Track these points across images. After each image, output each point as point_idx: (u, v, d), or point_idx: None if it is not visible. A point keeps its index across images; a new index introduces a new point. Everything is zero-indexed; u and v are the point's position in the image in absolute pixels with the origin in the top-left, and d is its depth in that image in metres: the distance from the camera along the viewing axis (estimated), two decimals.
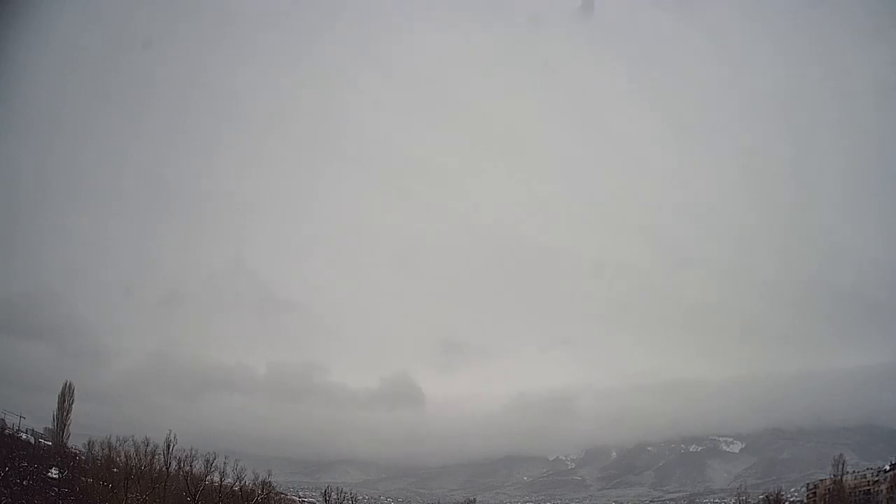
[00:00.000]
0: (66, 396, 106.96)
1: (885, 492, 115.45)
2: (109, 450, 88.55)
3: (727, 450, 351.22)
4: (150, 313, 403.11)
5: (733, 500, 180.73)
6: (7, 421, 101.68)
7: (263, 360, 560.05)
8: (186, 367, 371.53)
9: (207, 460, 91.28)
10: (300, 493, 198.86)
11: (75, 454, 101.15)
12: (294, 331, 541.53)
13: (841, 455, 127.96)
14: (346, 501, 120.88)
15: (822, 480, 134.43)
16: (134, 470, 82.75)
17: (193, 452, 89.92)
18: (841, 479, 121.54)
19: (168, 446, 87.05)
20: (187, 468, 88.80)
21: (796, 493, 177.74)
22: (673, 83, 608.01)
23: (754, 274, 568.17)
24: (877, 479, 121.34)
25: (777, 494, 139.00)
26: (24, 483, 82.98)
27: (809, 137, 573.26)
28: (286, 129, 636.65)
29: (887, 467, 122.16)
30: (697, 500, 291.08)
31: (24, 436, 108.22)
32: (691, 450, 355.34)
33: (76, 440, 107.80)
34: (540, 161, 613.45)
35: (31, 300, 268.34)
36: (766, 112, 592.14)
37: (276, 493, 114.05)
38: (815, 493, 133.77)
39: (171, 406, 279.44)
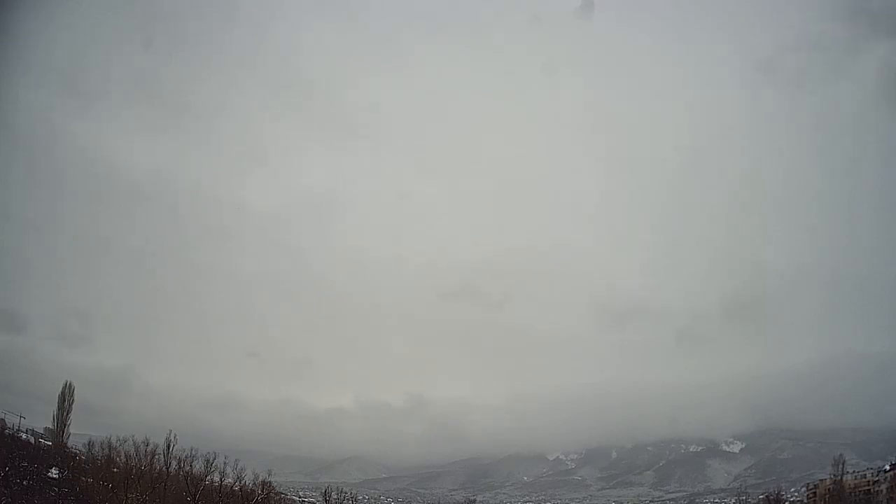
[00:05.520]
0: (66, 396, 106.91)
1: (885, 492, 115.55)
2: (109, 450, 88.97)
3: (727, 450, 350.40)
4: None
5: (733, 500, 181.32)
6: (7, 421, 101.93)
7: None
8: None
9: (207, 460, 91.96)
10: (300, 493, 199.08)
11: (75, 454, 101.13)
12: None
13: (841, 455, 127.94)
14: (346, 501, 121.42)
15: (822, 480, 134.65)
16: (134, 470, 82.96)
17: (193, 452, 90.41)
18: (841, 479, 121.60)
19: (168, 446, 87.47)
20: (187, 468, 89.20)
21: (796, 493, 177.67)
22: (674, 83, 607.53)
23: (755, 274, 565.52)
24: (877, 479, 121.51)
25: (777, 494, 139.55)
26: (24, 483, 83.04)
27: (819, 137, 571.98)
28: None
29: (887, 467, 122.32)
30: (697, 500, 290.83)
31: (24, 436, 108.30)
32: (691, 450, 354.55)
33: (76, 440, 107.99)
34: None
35: None
36: (770, 111, 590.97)
37: (276, 493, 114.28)
38: (815, 493, 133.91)
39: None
